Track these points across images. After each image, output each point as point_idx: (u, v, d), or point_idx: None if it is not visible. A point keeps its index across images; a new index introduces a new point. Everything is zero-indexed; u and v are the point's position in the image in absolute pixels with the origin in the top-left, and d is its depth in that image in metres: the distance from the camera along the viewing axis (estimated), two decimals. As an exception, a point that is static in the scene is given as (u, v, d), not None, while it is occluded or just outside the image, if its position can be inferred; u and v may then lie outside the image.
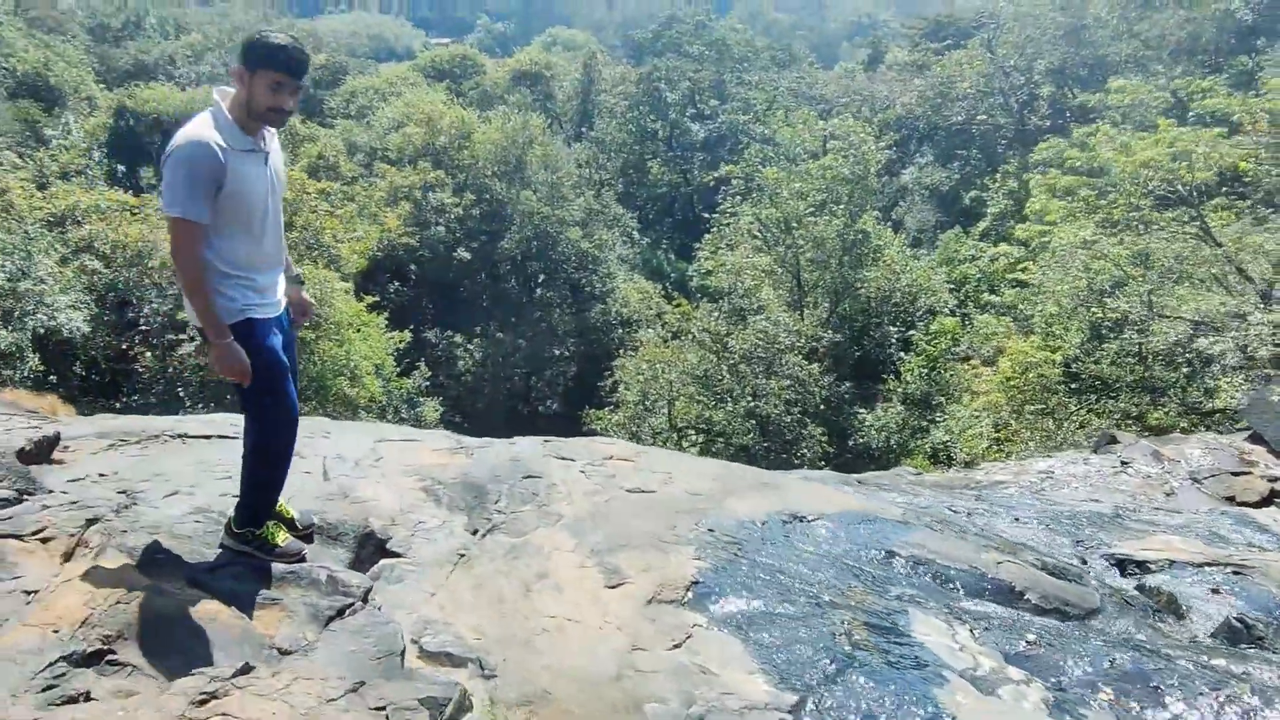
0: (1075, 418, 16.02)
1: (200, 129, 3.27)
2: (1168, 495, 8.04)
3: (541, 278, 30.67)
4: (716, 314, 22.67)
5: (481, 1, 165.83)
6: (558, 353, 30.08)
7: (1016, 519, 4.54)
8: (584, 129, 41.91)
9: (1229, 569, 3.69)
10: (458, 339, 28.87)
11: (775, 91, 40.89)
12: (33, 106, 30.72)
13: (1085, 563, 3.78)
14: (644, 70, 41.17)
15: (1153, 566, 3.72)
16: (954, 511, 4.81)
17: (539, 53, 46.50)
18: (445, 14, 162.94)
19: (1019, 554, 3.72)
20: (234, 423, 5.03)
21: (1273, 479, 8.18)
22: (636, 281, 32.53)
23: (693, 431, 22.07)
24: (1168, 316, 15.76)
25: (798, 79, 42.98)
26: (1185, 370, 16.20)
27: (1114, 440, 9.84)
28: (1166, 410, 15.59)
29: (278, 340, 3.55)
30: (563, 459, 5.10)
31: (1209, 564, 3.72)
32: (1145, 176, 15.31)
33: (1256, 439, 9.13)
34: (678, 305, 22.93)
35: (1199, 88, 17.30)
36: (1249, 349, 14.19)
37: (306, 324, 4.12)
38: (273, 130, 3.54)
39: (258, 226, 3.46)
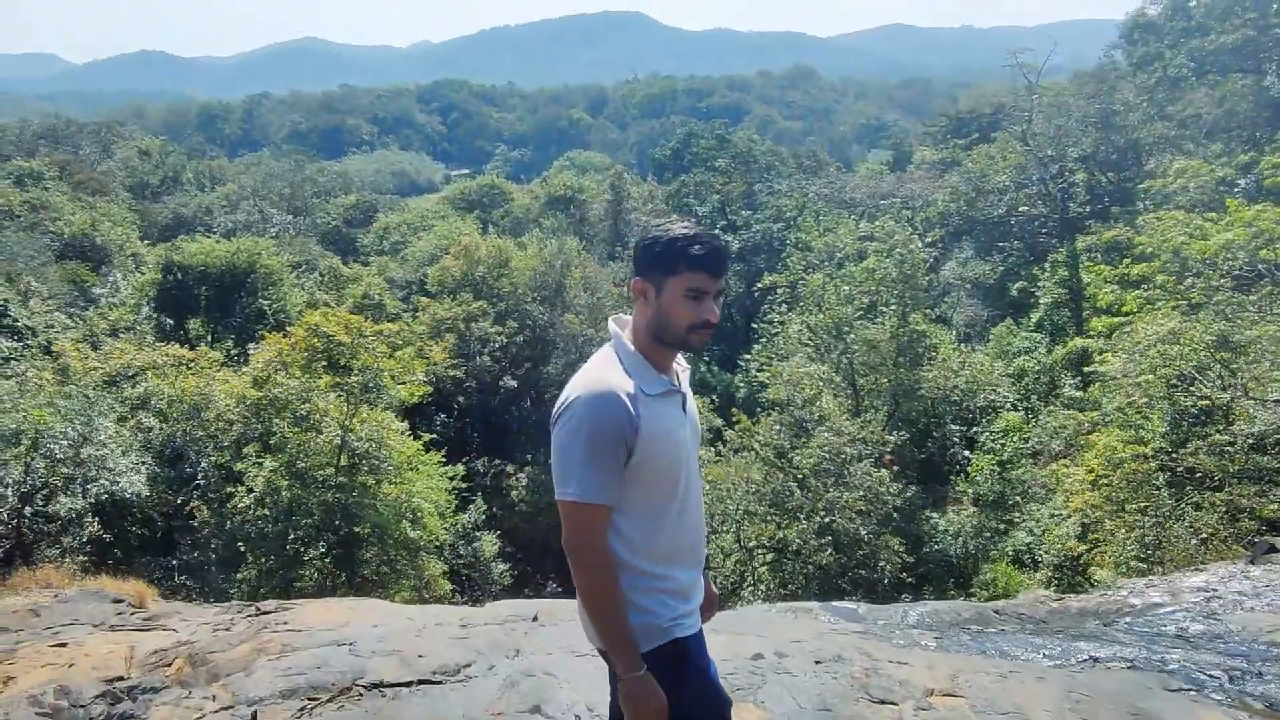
0: (1183, 516, 15.12)
1: (602, 373, 2.49)
2: (1365, 614, 7.20)
3: (587, 399, 30.24)
4: (779, 427, 22.06)
5: (497, 132, 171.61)
6: (602, 474, 29.41)
7: (1306, 688, 3.85)
8: (617, 248, 42.19)
9: None
10: (508, 469, 28.38)
11: (805, 198, 41.10)
12: (80, 267, 31.20)
13: None
14: (672, 187, 41.62)
15: None
16: (1209, 675, 4.12)
17: (570, 177, 47.24)
18: (463, 146, 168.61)
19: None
20: (416, 653, 4.37)
21: None
22: (682, 396, 31.99)
23: (761, 551, 21.22)
24: (1263, 400, 15.04)
25: (827, 184, 43.28)
26: (1293, 456, 15.37)
27: (1274, 549, 9.02)
28: (1282, 501, 14.68)
29: (713, 667, 2.64)
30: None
31: None
32: (1223, 258, 14.77)
33: None
34: (737, 421, 22.32)
35: (1271, 163, 16.87)
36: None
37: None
38: (685, 365, 2.75)
39: (679, 501, 2.58)
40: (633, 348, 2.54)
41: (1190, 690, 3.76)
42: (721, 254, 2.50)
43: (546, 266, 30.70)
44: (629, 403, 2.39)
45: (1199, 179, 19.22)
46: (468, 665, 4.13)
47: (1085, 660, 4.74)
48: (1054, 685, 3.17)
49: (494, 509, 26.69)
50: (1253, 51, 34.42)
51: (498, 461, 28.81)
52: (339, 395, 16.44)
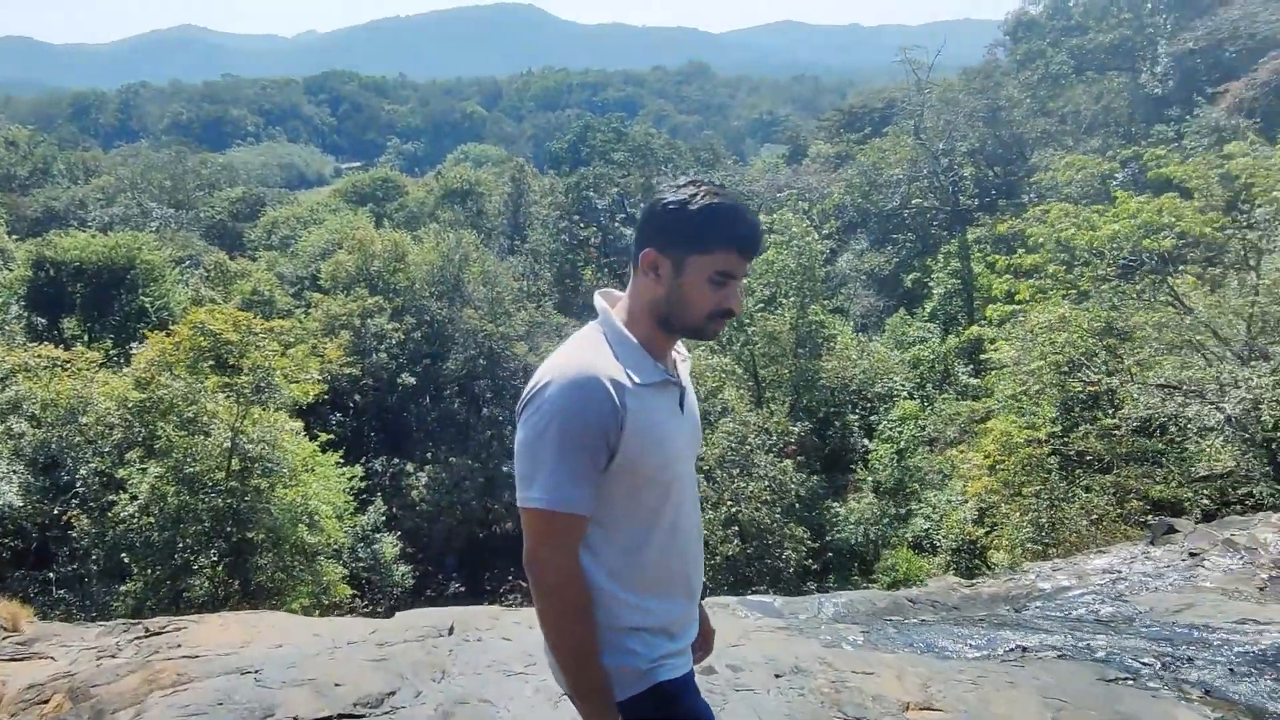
0: (1074, 498, 15.59)
1: (583, 355, 2.03)
2: (1261, 589, 7.44)
3: (489, 395, 29.79)
4: (683, 420, 22.02)
5: (389, 124, 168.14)
6: (510, 471, 29.02)
7: (1231, 671, 3.86)
8: (516, 241, 41.67)
9: None
10: (407, 468, 27.74)
11: (703, 190, 41.20)
12: (-60, 264, 29.28)
13: None
14: (571, 180, 41.29)
15: None
16: (1142, 663, 4.11)
17: (467, 169, 46.44)
18: (353, 139, 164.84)
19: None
20: (331, 680, 3.94)
21: (1366, 560, 7.66)
22: (586, 390, 31.91)
23: (668, 543, 21.18)
24: (1145, 384, 15.59)
25: (725, 177, 43.54)
26: (1177, 438, 16.00)
27: (1173, 530, 9.27)
28: (1168, 482, 15.27)
29: (706, 709, 2.21)
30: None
31: None
32: (1111, 248, 15.27)
33: (1328, 516, 8.64)
34: (641, 414, 22.23)
35: (1154, 155, 17.53)
36: (1230, 411, 14.01)
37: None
38: (685, 353, 2.33)
39: (670, 517, 2.12)
40: (625, 330, 2.09)
41: (1128, 679, 3.74)
42: (761, 234, 2.15)
43: (444, 261, 30.08)
44: (614, 392, 1.95)
45: (1086, 171, 19.88)
46: (392, 694, 3.76)
47: (1013, 649, 4.71)
48: (1026, 691, 3.06)
49: (394, 509, 26.06)
50: (1128, 50, 35.91)
51: (397, 461, 28.13)
52: (228, 396, 15.69)
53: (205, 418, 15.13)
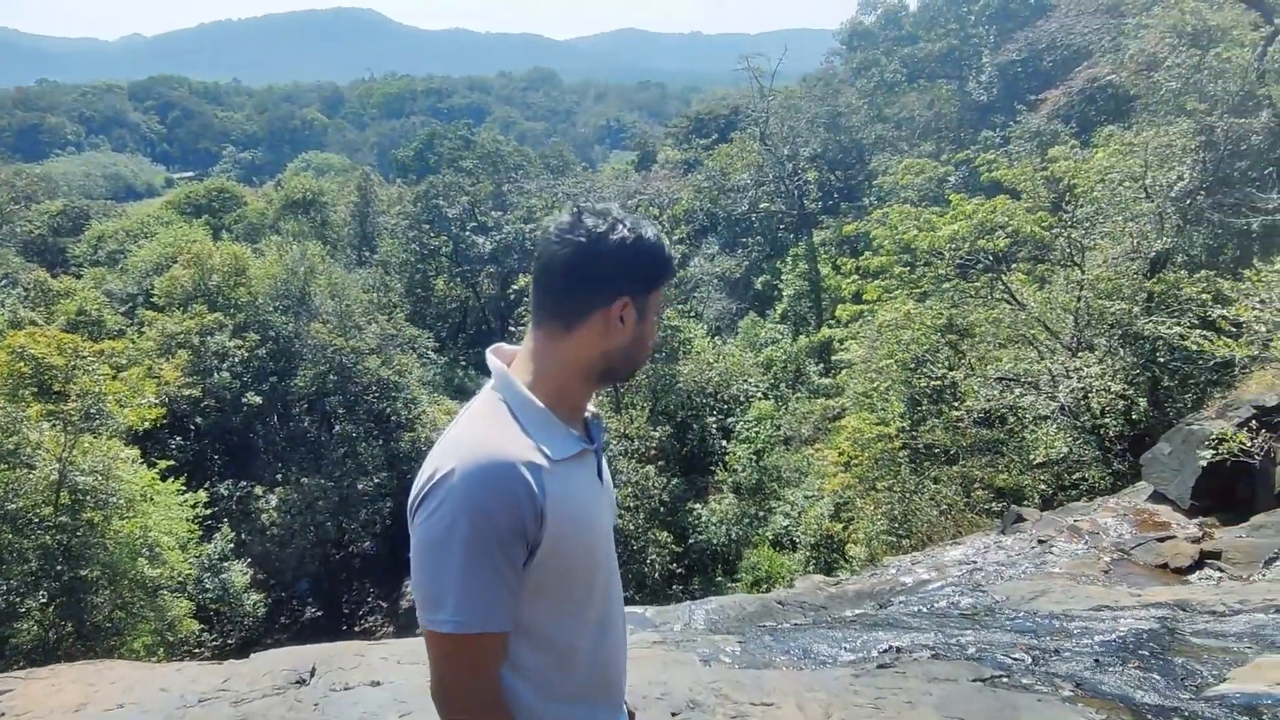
0: (924, 490, 16.17)
1: (488, 433, 1.68)
2: (1105, 572, 7.83)
3: (341, 411, 28.82)
4: (543, 429, 21.85)
5: (224, 132, 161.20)
6: (366, 488, 28.18)
7: (1097, 661, 3.98)
8: (365, 252, 40.52)
9: None
10: (256, 490, 26.54)
11: (555, 198, 41.13)
12: None
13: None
14: (420, 188, 40.45)
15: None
16: (1013, 658, 4.22)
17: (309, 179, 44.84)
18: (185, 147, 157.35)
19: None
20: None
21: (1194, 540, 8.15)
22: (442, 402, 31.32)
23: (533, 555, 20.94)
24: (985, 377, 16.33)
25: (575, 183, 43.51)
26: (1015, 428, 16.82)
27: (1021, 518, 9.67)
28: (1009, 470, 16.02)
29: None
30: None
31: None
32: (950, 248, 15.96)
33: (1158, 498, 9.16)
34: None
35: (985, 159, 18.41)
36: (1063, 400, 14.84)
37: None
38: (595, 408, 1.93)
39: (598, 614, 1.82)
40: (530, 394, 1.73)
41: (1002, 676, 3.82)
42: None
43: (288, 274, 28.93)
44: (531, 476, 1.61)
45: (925, 174, 20.72)
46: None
47: (887, 650, 4.77)
48: (925, 711, 3.05)
49: (242, 535, 24.90)
50: (956, 59, 37.72)
51: (244, 484, 26.84)
52: (54, 425, 14.58)
53: (28, 450, 14.02)
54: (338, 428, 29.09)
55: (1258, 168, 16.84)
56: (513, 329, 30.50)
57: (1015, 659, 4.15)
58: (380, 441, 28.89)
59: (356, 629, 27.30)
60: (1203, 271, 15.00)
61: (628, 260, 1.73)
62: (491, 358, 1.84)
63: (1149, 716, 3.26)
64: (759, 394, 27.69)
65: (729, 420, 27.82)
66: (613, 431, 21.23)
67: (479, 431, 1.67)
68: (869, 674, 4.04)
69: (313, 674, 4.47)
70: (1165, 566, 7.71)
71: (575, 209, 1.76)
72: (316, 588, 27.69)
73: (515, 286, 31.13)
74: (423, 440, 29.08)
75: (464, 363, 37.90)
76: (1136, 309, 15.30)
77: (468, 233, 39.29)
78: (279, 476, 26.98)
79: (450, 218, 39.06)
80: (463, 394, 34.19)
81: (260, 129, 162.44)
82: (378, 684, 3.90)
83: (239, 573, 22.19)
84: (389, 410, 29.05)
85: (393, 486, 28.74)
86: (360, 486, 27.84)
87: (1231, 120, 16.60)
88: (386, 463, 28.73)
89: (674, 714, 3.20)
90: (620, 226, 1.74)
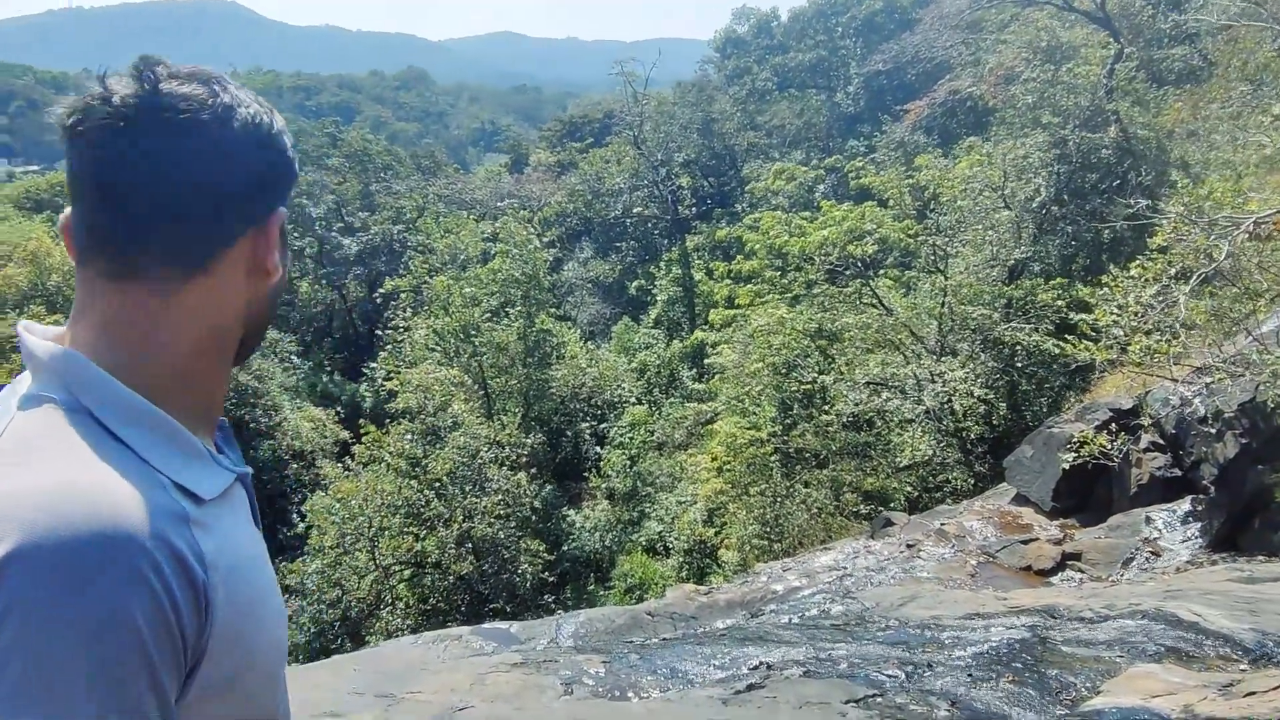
0: (795, 493, 16.25)
1: (77, 476, 0.90)
2: (972, 576, 7.84)
3: (202, 418, 27.36)
4: (410, 435, 21.13)
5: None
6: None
7: (971, 675, 3.83)
8: (223, 252, 38.70)
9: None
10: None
11: (425, 199, 40.19)
12: None
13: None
14: (282, 186, 38.87)
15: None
16: (886, 675, 4.04)
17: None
18: (29, 140, 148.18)
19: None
20: None
21: (1055, 541, 8.24)
22: (305, 409, 30.12)
23: (399, 567, 20.20)
24: (853, 382, 16.55)
25: (447, 184, 42.62)
26: (883, 431, 17.08)
27: (890, 523, 9.67)
28: (877, 474, 16.24)
29: None
30: None
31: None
32: (821, 254, 16.09)
33: (1021, 500, 9.28)
34: (366, 432, 21.10)
35: (854, 166, 18.68)
36: (928, 404, 15.13)
37: None
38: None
39: None
40: (137, 396, 1.01)
41: (875, 695, 3.63)
42: None
43: (138, 272, 27.33)
44: (176, 541, 0.92)
45: (795, 181, 20.93)
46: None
47: (757, 667, 4.54)
48: None
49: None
50: (825, 70, 38.51)
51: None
52: None
53: None
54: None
55: (1107, 180, 17.55)
56: (378, 333, 29.55)
57: (889, 675, 3.97)
58: (239, 450, 27.55)
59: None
60: (1058, 279, 15.54)
61: (271, 155, 1.10)
62: (31, 339, 1.05)
63: (1026, 739, 3.09)
64: (633, 399, 27.54)
65: (603, 426, 27.57)
66: (483, 439, 20.68)
67: (52, 474, 0.89)
68: (736, 697, 3.79)
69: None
70: (1029, 569, 7.77)
71: (142, 68, 1.05)
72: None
73: (383, 290, 30.15)
74: (283, 448, 27.96)
75: (329, 368, 36.62)
76: (996, 315, 15.72)
77: (333, 233, 38.00)
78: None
79: (315, 217, 37.69)
80: (329, 400, 32.99)
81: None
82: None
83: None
84: (248, 417, 27.74)
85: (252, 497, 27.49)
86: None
87: (1083, 134, 17.26)
88: (245, 472, 27.45)
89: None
90: (240, 97, 1.08)
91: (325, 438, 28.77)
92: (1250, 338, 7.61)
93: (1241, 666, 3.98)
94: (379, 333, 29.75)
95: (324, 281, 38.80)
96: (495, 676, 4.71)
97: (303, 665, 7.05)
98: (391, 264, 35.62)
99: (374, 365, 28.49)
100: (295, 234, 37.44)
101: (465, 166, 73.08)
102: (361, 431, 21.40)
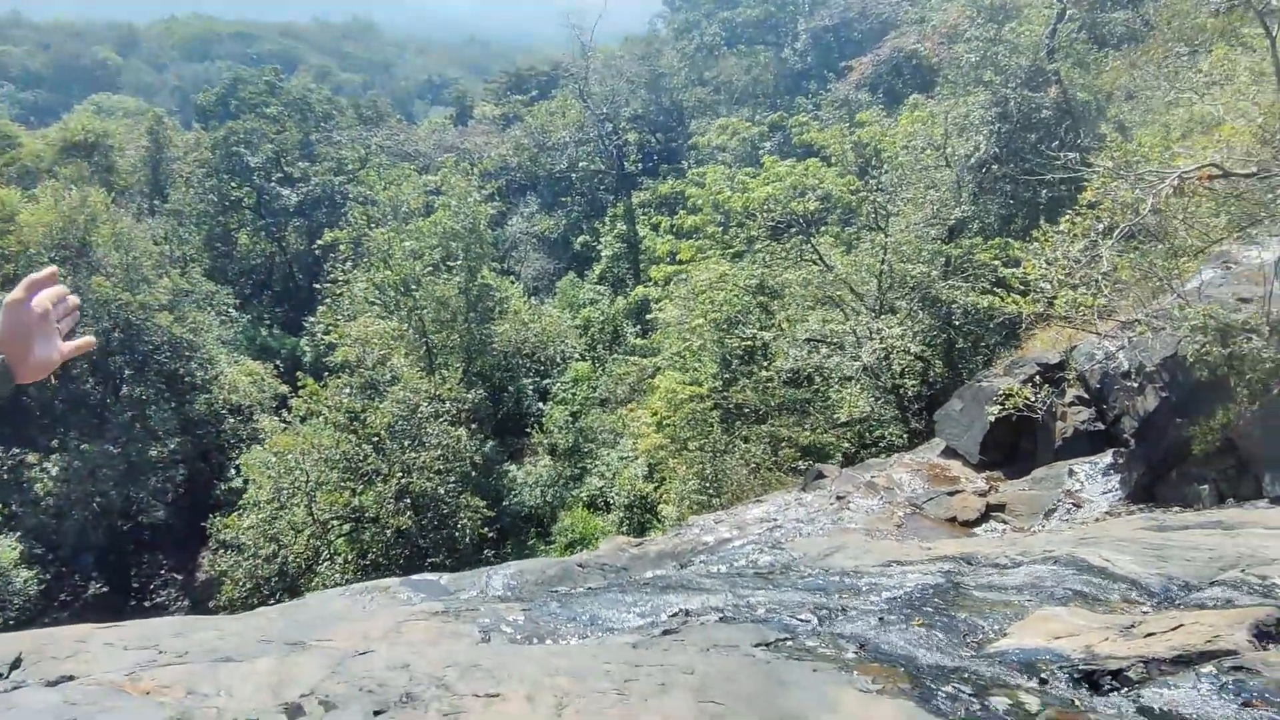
0: (734, 448, 16.33)
1: None
2: (898, 527, 7.90)
3: (128, 373, 26.74)
4: (349, 389, 20.87)
5: (3, 68, 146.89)
6: (158, 455, 26.30)
7: (881, 619, 3.83)
8: (157, 201, 37.64)
9: (1223, 660, 3.03)
10: (29, 458, 24.32)
11: (367, 150, 39.36)
12: None
13: (1045, 683, 3.05)
14: (219, 134, 37.83)
15: (1131, 675, 3.06)
16: (799, 619, 4.03)
17: (91, 118, 41.09)
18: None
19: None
20: None
21: (981, 493, 8.33)
22: (243, 363, 29.59)
23: (337, 522, 20.03)
24: (793, 338, 16.60)
25: (389, 135, 41.77)
26: (821, 387, 17.19)
27: (821, 475, 9.72)
28: (815, 429, 16.35)
29: None
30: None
31: (1182, 656, 3.14)
32: (764, 210, 16.04)
33: (950, 453, 9.36)
34: (304, 385, 20.78)
35: (797, 122, 18.58)
36: (866, 361, 15.22)
37: None
38: None
39: None
40: None
41: (786, 639, 3.61)
42: None
43: (66, 222, 26.45)
44: None
45: (739, 136, 20.80)
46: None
47: (676, 614, 4.52)
48: (679, 697, 2.72)
49: (13, 506, 22.86)
50: (774, 25, 38.25)
51: (16, 451, 24.54)
52: None
53: None
54: (125, 390, 27.01)
55: (1046, 141, 17.67)
56: (317, 286, 29.01)
57: (801, 620, 3.97)
58: (173, 404, 27.05)
59: (147, 604, 25.60)
60: (996, 239, 15.66)
61: None
62: None
63: (928, 679, 3.09)
64: (576, 355, 27.45)
65: (545, 382, 27.46)
66: (423, 393, 20.49)
67: None
68: (647, 640, 3.77)
69: (14, 666, 3.83)
70: (955, 520, 7.86)
71: None
72: (102, 561, 25.72)
73: (321, 241, 29.58)
74: (220, 402, 27.51)
75: (268, 320, 35.98)
76: (935, 273, 15.82)
77: (272, 184, 37.15)
78: (55, 443, 24.79)
79: (253, 167, 36.79)
80: (268, 354, 32.42)
81: (44, 66, 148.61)
82: (70, 679, 3.32)
83: (8, 547, 20.34)
84: (182, 371, 27.19)
85: (187, 452, 27.03)
86: (151, 453, 25.98)
87: (1024, 93, 17.34)
88: (180, 427, 26.98)
89: (378, 713, 2.76)
90: None
91: (263, 392, 28.33)
92: (1175, 295, 7.71)
93: (1145, 609, 4.03)
94: (318, 286, 29.23)
95: (263, 233, 37.98)
96: (412, 625, 4.64)
97: (223, 616, 6.91)
98: (332, 216, 34.93)
99: (313, 319, 28.02)
100: (231, 183, 36.59)
101: (412, 119, 71.59)
102: (299, 385, 21.08)
